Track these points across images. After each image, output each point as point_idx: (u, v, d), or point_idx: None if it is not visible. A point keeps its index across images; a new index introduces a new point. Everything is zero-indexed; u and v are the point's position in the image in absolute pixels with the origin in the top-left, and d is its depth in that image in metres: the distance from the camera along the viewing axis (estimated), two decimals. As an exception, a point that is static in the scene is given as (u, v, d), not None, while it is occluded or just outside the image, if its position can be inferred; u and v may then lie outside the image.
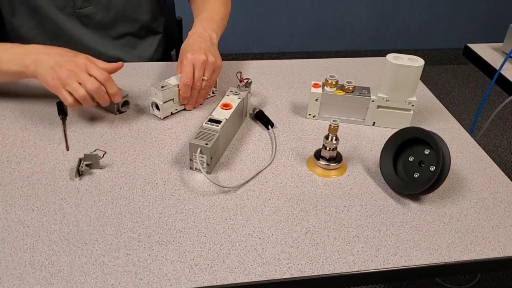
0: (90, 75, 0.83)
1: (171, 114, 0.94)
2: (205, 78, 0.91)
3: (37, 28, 1.05)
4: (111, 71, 0.87)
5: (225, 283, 0.63)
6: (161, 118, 0.92)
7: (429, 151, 0.78)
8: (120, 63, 0.89)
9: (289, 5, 2.80)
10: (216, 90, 1.02)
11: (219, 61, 0.94)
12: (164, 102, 0.90)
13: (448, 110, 1.03)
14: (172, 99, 0.92)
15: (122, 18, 1.10)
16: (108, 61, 1.13)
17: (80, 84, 0.82)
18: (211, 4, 1.08)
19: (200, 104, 0.98)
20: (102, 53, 1.13)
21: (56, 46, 0.87)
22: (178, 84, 0.91)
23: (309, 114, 0.97)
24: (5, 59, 0.86)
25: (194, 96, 0.93)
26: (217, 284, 0.63)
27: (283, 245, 0.69)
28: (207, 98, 1.00)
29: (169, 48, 1.33)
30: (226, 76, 1.11)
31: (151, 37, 1.19)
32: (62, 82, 0.82)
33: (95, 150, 0.84)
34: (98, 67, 0.84)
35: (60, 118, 0.91)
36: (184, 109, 0.96)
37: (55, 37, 1.07)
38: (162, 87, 0.89)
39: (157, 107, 0.91)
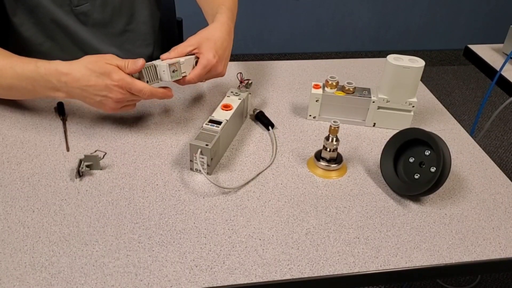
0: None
1: (158, 83, 0.88)
2: (204, 81, 0.91)
3: (36, 26, 1.05)
4: (136, 72, 0.84)
5: (226, 284, 0.63)
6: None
7: (429, 152, 0.77)
8: (142, 62, 0.83)
9: (289, 6, 2.81)
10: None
11: (225, 72, 0.93)
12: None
13: (448, 111, 1.03)
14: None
15: (119, 15, 1.10)
16: None
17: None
18: None
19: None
20: (101, 51, 1.13)
21: (73, 66, 0.83)
22: (185, 75, 0.87)
23: (310, 115, 0.97)
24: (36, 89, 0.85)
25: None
26: (218, 285, 0.63)
27: (283, 246, 0.68)
28: (187, 96, 0.99)
29: (168, 48, 1.33)
30: (226, 77, 1.10)
31: (150, 35, 1.19)
32: (117, 109, 0.85)
33: (95, 151, 0.84)
34: (138, 86, 0.82)
35: (61, 119, 0.91)
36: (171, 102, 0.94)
37: (54, 35, 1.07)
38: (174, 71, 0.85)
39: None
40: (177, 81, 0.89)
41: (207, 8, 1.06)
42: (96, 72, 0.80)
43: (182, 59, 0.86)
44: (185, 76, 0.87)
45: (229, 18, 0.97)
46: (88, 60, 0.82)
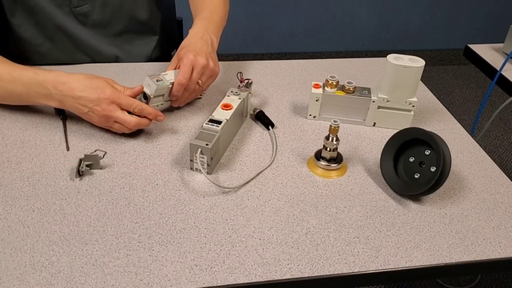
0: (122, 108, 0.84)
1: (157, 106, 0.91)
2: (200, 82, 0.91)
3: (35, 27, 1.05)
4: (135, 95, 0.87)
5: (226, 284, 0.63)
6: None
7: (429, 151, 0.77)
8: (139, 87, 0.87)
9: (289, 6, 2.81)
10: (204, 93, 1.01)
11: (217, 68, 0.94)
12: (154, 97, 0.88)
13: (448, 110, 1.03)
14: (163, 95, 0.90)
15: (119, 16, 1.10)
16: (106, 59, 1.14)
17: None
18: (211, 2, 1.07)
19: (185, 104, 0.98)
20: (100, 51, 1.13)
21: (70, 78, 0.84)
22: (173, 82, 0.89)
23: (310, 115, 0.97)
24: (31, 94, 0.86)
25: (184, 96, 0.92)
26: (218, 284, 0.63)
27: (283, 246, 0.68)
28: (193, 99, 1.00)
29: (169, 48, 1.33)
30: (226, 77, 1.11)
31: (149, 35, 1.19)
32: (104, 125, 0.86)
33: (95, 151, 0.84)
34: (129, 101, 0.84)
35: (61, 119, 0.91)
36: (171, 106, 0.96)
37: (54, 35, 1.07)
38: (157, 80, 0.87)
39: (145, 97, 0.88)
40: (172, 99, 0.92)
41: (193, 18, 1.08)
42: (91, 85, 0.83)
43: (164, 72, 0.90)
44: (173, 82, 0.89)
45: (201, 27, 0.98)
46: (88, 75, 0.85)
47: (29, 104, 0.90)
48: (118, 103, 0.83)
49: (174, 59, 0.93)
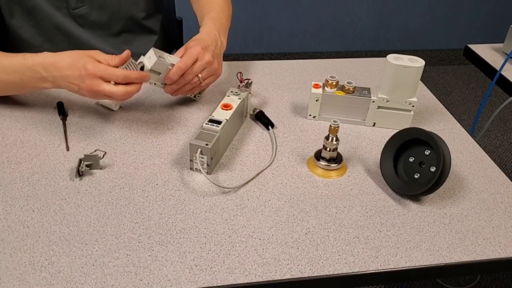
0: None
1: (149, 84, 0.90)
2: (200, 76, 0.90)
3: (35, 28, 1.05)
4: (123, 62, 0.84)
5: (225, 284, 0.63)
6: None
7: (429, 151, 0.77)
8: (126, 52, 0.84)
9: (289, 6, 2.80)
10: (199, 96, 1.01)
11: (220, 70, 0.94)
12: (151, 70, 0.86)
13: (448, 110, 1.03)
14: (159, 74, 0.88)
15: (118, 17, 1.10)
16: None
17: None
18: (217, 3, 1.08)
19: (176, 96, 0.97)
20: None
21: (56, 57, 0.84)
22: (174, 65, 0.87)
23: (310, 115, 0.97)
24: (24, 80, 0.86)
25: (179, 84, 0.90)
26: (217, 284, 0.63)
27: (283, 246, 0.68)
28: (185, 96, 0.99)
29: (168, 48, 1.33)
30: (226, 77, 1.11)
31: (148, 35, 1.19)
32: (97, 98, 0.87)
33: (95, 151, 0.84)
34: (110, 71, 0.81)
35: (61, 119, 0.91)
36: (173, 106, 0.96)
37: (53, 36, 1.07)
38: (160, 57, 0.85)
39: (142, 69, 0.86)
40: (167, 82, 0.89)
41: (199, 18, 1.07)
42: (74, 62, 0.82)
43: (169, 54, 0.88)
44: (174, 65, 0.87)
45: (214, 28, 0.98)
46: (74, 52, 0.84)
47: (27, 91, 0.90)
48: (100, 76, 0.81)
49: (182, 48, 0.92)
